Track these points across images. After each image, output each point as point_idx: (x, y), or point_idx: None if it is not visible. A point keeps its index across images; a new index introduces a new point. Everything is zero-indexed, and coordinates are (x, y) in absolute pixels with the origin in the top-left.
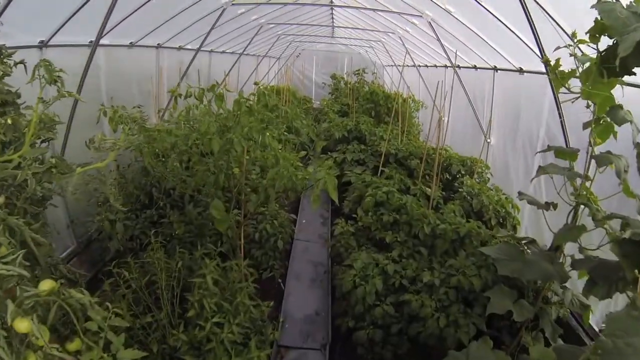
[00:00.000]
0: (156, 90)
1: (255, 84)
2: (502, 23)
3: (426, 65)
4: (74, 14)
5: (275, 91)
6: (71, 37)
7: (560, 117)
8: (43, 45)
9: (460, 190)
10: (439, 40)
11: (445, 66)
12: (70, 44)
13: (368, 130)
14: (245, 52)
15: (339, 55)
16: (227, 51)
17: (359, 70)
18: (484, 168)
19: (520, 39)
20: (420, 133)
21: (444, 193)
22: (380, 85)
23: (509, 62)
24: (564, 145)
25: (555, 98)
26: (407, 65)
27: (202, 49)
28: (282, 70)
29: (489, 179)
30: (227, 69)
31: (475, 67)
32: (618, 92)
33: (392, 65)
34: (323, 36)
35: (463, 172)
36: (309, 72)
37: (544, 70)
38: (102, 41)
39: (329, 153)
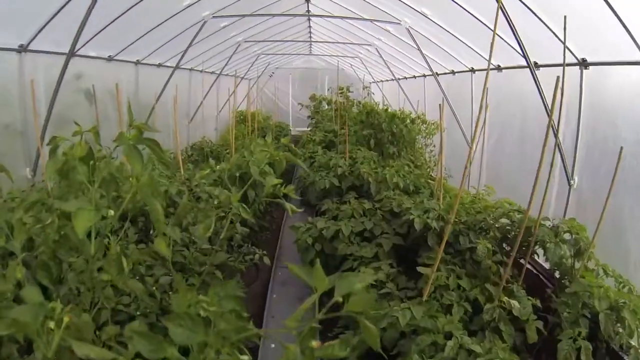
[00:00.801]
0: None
1: None
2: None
3: (405, 77)
4: (52, 17)
5: (243, 118)
6: (52, 44)
7: None
8: (22, 49)
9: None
10: (419, 49)
11: (424, 75)
12: (50, 50)
13: (372, 174)
14: (223, 72)
15: (319, 72)
16: (207, 70)
17: (342, 88)
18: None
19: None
20: (432, 168)
21: None
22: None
23: None
24: None
25: None
26: (406, 78)
27: (180, 66)
28: (254, 93)
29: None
30: (206, 89)
31: (472, 70)
32: None
33: (381, 81)
34: (301, 54)
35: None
36: (285, 93)
37: None
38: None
39: (310, 219)
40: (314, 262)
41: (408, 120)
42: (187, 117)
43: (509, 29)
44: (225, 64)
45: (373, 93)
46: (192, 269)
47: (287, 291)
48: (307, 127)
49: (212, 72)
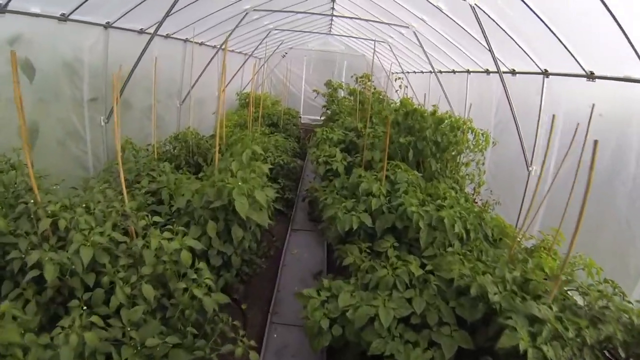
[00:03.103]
0: None
1: None
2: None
3: (440, 71)
4: None
5: (248, 102)
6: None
7: None
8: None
9: None
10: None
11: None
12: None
13: (423, 215)
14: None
15: (337, 57)
16: (208, 43)
17: (362, 76)
18: None
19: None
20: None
21: None
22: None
23: None
24: None
25: None
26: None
27: (171, 35)
28: (263, 74)
29: None
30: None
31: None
32: None
33: (412, 72)
34: (319, 33)
35: None
36: (297, 77)
37: None
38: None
39: (326, 283)
40: None
41: (457, 128)
42: (179, 97)
43: None
44: (228, 35)
45: (406, 86)
46: None
47: None
48: (320, 117)
49: (214, 47)
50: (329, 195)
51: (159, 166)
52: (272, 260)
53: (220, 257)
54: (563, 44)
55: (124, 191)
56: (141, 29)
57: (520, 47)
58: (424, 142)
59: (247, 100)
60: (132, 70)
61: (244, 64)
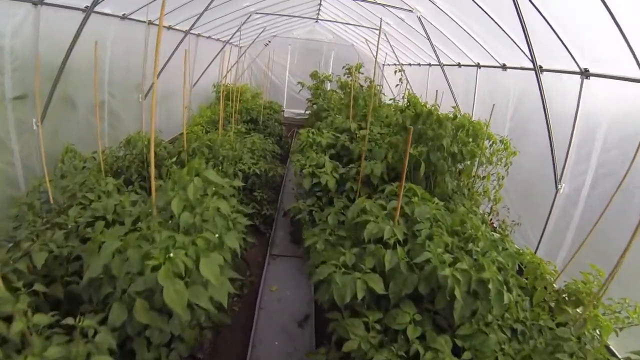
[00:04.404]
0: None
1: None
2: None
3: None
4: None
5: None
6: None
7: None
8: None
9: None
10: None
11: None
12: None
13: (458, 277)
14: (196, 32)
15: (324, 46)
16: (176, 27)
17: (351, 67)
18: None
19: None
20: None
21: None
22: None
23: None
24: None
25: None
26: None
27: (128, 15)
28: (244, 64)
29: None
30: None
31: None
32: None
33: (409, 65)
34: (306, 17)
35: None
36: (281, 67)
37: None
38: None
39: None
40: None
41: (478, 136)
42: (141, 91)
43: None
44: (197, 19)
45: (407, 80)
46: None
47: None
48: (305, 111)
49: (185, 31)
50: (319, 237)
51: (104, 180)
52: (246, 300)
53: (165, 334)
54: (624, 38)
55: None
56: (86, 7)
57: (561, 40)
58: (438, 153)
59: (225, 93)
60: (66, 58)
61: (220, 52)
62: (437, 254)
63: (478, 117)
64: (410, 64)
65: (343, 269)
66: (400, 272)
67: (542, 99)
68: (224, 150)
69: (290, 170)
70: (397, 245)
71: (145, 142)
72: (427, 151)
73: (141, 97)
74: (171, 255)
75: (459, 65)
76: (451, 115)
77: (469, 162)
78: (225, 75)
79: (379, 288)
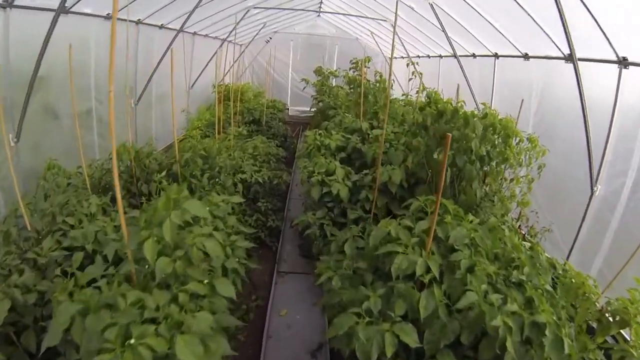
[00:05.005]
0: None
1: None
2: None
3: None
4: None
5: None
6: None
7: None
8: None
9: None
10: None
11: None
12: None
13: (510, 324)
14: (191, 30)
15: (327, 41)
16: (168, 26)
17: (358, 61)
18: None
19: None
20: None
21: None
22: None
23: None
24: None
25: None
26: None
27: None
28: (244, 63)
29: None
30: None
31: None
32: None
33: (418, 57)
34: (308, 10)
35: None
36: (284, 64)
37: None
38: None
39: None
40: None
41: (509, 136)
42: (134, 95)
43: None
44: (189, 16)
45: (421, 73)
46: None
47: None
48: (310, 109)
49: (176, 30)
50: (334, 272)
51: (87, 202)
52: (253, 326)
53: None
54: None
55: None
56: (65, 7)
57: (599, 25)
58: (464, 156)
59: (225, 93)
60: (38, 65)
61: (217, 50)
62: (481, 292)
63: (500, 112)
64: (419, 56)
65: (366, 318)
66: (438, 318)
67: (580, 91)
68: (221, 159)
69: (297, 174)
70: (433, 283)
71: (134, 155)
72: (453, 154)
73: (133, 102)
74: (132, 342)
75: (474, 55)
76: (478, 113)
77: (494, 165)
78: (224, 76)
79: (413, 341)
